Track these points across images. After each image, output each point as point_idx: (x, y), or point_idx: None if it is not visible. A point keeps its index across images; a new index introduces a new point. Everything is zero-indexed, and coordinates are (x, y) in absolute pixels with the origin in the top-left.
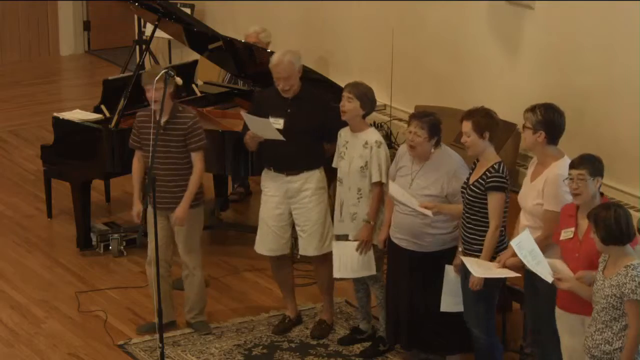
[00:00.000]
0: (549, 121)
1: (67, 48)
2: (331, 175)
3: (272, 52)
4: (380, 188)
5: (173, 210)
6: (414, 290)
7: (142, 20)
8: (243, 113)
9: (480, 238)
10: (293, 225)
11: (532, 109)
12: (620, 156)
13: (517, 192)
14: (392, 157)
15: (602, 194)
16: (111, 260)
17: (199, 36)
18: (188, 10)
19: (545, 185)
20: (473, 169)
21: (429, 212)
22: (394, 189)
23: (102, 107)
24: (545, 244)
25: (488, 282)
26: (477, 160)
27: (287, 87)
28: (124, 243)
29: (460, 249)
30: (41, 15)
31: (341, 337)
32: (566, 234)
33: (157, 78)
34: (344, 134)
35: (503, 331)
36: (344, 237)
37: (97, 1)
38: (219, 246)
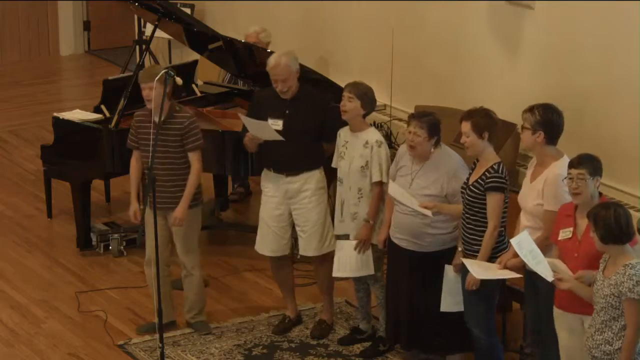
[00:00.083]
0: (548, 121)
1: (67, 48)
2: (331, 175)
3: (272, 52)
4: (380, 187)
5: (171, 210)
6: (414, 290)
7: (142, 20)
8: (241, 116)
9: (480, 238)
10: (293, 226)
11: (531, 110)
12: (620, 156)
13: (517, 192)
14: (393, 157)
15: (600, 194)
16: (111, 260)
17: (199, 36)
18: (188, 10)
19: (545, 185)
20: (473, 169)
21: (428, 212)
22: (394, 189)
23: (102, 107)
24: (546, 244)
25: (488, 282)
26: (477, 161)
27: (285, 88)
28: (124, 243)
29: (460, 249)
30: (41, 15)
31: (341, 337)
32: (564, 233)
33: (157, 78)
34: (343, 133)
35: (503, 331)
36: (344, 237)
37: (97, 1)
38: (219, 246)
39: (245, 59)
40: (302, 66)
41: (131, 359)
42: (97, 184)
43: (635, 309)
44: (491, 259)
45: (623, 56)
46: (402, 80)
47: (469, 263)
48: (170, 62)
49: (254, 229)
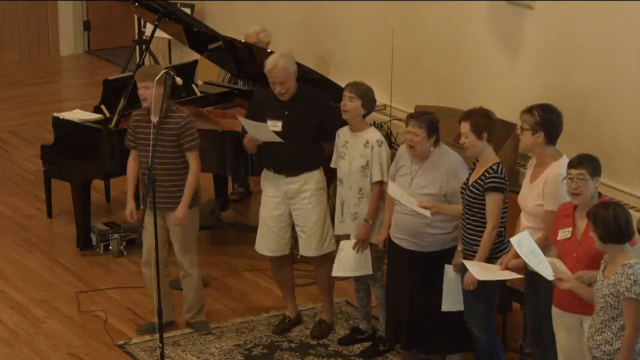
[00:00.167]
0: (548, 121)
1: (67, 48)
2: (331, 175)
3: (272, 52)
4: (380, 187)
5: (169, 210)
6: (414, 290)
7: (142, 20)
8: (240, 118)
9: (480, 239)
10: (293, 226)
11: (529, 111)
12: (620, 156)
13: (517, 192)
14: (393, 157)
15: (600, 194)
16: (111, 260)
17: (199, 36)
18: (188, 10)
19: (545, 185)
20: (473, 170)
21: (427, 213)
22: (393, 189)
23: (102, 107)
24: (546, 244)
25: (488, 282)
26: (477, 161)
27: (283, 90)
28: (124, 243)
29: (459, 249)
30: (41, 15)
31: (341, 337)
32: (563, 234)
33: (157, 78)
34: (342, 133)
35: (503, 331)
36: (345, 238)
37: (97, 1)
38: (219, 246)
39: (245, 59)
40: (301, 66)
41: (131, 359)
42: (97, 184)
43: (633, 308)
44: (492, 259)
45: (623, 56)
46: (402, 80)
47: (469, 264)
48: (170, 62)
49: (254, 229)
